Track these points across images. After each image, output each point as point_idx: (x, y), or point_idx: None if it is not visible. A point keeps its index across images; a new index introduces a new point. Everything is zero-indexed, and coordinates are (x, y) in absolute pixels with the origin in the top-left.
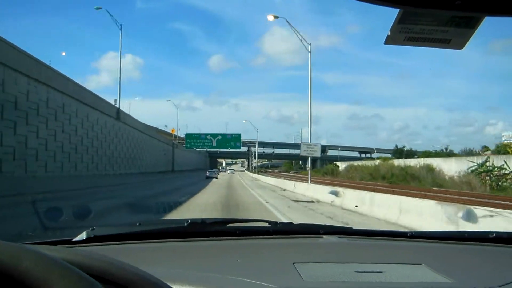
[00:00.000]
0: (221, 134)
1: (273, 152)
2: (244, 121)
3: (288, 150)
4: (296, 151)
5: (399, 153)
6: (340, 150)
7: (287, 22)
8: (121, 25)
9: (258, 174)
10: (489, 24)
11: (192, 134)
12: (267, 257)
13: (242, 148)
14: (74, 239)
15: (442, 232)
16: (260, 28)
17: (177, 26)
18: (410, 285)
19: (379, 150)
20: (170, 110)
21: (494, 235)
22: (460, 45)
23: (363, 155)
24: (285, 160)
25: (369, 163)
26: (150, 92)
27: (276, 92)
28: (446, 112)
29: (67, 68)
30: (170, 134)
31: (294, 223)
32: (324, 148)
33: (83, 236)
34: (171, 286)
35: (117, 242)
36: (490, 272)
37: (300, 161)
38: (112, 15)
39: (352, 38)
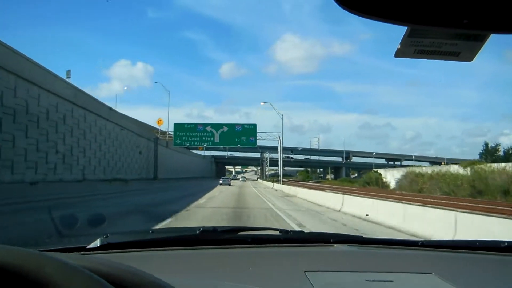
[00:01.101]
0: (227, 125)
1: (291, 158)
2: (262, 103)
3: (303, 156)
4: (313, 158)
5: (491, 154)
6: (365, 157)
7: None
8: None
9: (280, 184)
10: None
11: (183, 124)
12: (279, 265)
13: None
14: (88, 247)
15: (453, 241)
16: (271, 36)
17: (188, 35)
18: None
19: (407, 158)
20: (181, 118)
21: (506, 244)
22: (469, 58)
23: (391, 163)
24: (299, 168)
25: (443, 169)
26: (160, 100)
27: (287, 101)
28: (458, 122)
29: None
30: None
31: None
32: (347, 155)
33: (97, 243)
34: None
35: (130, 250)
36: (501, 282)
37: (318, 170)
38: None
39: (362, 47)
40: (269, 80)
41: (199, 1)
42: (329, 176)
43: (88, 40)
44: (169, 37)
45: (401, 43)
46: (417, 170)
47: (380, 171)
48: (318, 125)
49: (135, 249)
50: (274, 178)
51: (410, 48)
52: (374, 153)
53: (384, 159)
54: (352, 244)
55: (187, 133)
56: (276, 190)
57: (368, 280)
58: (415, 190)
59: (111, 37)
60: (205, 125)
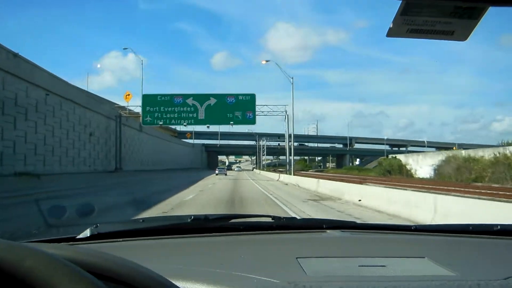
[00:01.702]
0: (215, 96)
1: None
2: (263, 62)
3: (297, 143)
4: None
5: None
6: (369, 143)
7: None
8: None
9: (289, 175)
10: (495, 18)
11: (155, 96)
12: (271, 252)
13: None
14: (78, 237)
15: (446, 225)
16: (263, 26)
17: (180, 25)
18: (413, 279)
19: (414, 143)
20: None
21: (499, 227)
22: (463, 37)
23: (395, 149)
24: (295, 157)
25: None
26: (152, 91)
27: (280, 91)
28: (451, 109)
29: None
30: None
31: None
32: (350, 141)
33: (86, 233)
34: (175, 282)
35: (120, 239)
36: (495, 265)
37: (317, 158)
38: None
39: (354, 36)
40: (261, 70)
41: None
42: (330, 165)
43: (77, 31)
44: (162, 28)
45: (393, 22)
46: (463, 153)
47: (400, 157)
48: (312, 115)
49: (126, 239)
50: (270, 168)
51: (402, 27)
52: (385, 138)
53: (388, 145)
54: (345, 230)
55: (161, 108)
56: (287, 185)
57: (360, 266)
58: (466, 180)
59: (101, 28)
60: (186, 96)
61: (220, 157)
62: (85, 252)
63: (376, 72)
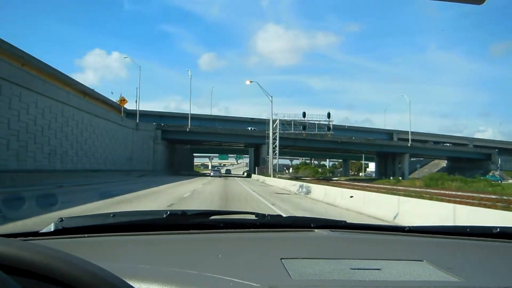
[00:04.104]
0: None
1: (303, 132)
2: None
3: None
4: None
5: None
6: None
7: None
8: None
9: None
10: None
11: None
12: (252, 252)
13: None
14: (41, 231)
15: (442, 227)
16: (250, 29)
17: (165, 28)
18: (414, 284)
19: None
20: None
21: (498, 230)
22: (480, 0)
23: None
24: (303, 161)
25: None
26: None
27: (265, 96)
28: (435, 119)
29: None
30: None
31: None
32: (390, 137)
33: (50, 227)
34: (135, 284)
35: (87, 235)
36: (498, 270)
37: (337, 162)
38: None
39: (340, 44)
40: (248, 74)
41: None
42: (362, 172)
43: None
44: (147, 30)
45: None
46: None
47: None
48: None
49: (93, 234)
50: (266, 174)
51: None
52: (436, 135)
53: (450, 143)
54: (334, 230)
55: None
56: None
57: (352, 269)
58: None
59: (85, 27)
60: None
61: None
62: (19, 246)
63: (362, 80)
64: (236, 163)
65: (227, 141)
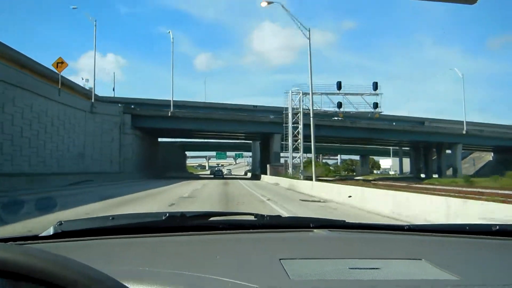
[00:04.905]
0: None
1: (338, 114)
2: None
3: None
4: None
5: None
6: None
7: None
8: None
9: None
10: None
11: None
12: (251, 253)
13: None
14: (41, 235)
15: (441, 225)
16: (246, 29)
17: (161, 29)
18: (412, 283)
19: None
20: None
21: (497, 227)
22: (472, 0)
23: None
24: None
25: None
26: (133, 94)
27: (262, 96)
28: (432, 116)
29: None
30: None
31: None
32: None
33: (50, 231)
34: (132, 286)
35: (87, 238)
36: (498, 268)
37: (360, 157)
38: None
39: (335, 43)
40: (243, 74)
41: None
42: (394, 170)
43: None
44: (143, 32)
45: None
46: None
47: None
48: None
49: (93, 237)
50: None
51: None
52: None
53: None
54: (333, 229)
55: None
56: None
57: (351, 268)
58: None
59: (79, 28)
60: None
61: (189, 154)
62: (19, 252)
63: (355, 78)
64: (234, 163)
65: (226, 131)
